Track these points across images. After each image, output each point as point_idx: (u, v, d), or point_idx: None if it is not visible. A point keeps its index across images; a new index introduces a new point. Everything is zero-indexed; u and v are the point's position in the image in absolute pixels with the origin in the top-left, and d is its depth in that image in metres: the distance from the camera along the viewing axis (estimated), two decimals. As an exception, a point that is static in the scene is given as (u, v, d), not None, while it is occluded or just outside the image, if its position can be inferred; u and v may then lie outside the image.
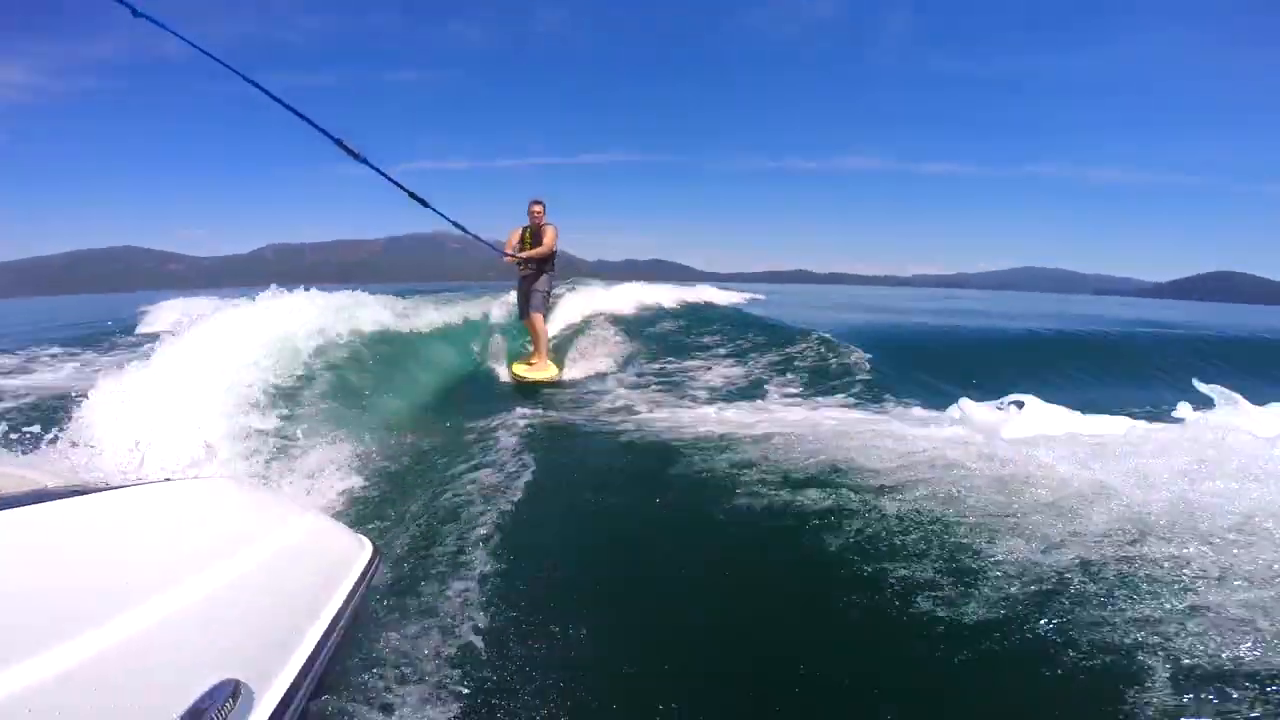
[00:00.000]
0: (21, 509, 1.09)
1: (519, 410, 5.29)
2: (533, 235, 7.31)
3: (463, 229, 5.73)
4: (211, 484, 1.75)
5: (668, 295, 13.74)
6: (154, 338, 5.19)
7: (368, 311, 7.17)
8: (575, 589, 2.58)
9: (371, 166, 3.90)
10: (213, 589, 1.21)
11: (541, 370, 7.31)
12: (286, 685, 1.19)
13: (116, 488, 1.37)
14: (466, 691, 1.91)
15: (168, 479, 1.54)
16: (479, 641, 2.15)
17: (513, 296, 8.28)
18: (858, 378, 6.17)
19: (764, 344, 8.36)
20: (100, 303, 28.88)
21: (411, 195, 4.60)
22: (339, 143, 3.70)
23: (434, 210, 4.94)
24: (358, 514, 3.31)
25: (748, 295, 18.11)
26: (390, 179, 4.21)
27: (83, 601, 0.98)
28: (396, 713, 1.82)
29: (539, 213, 7.30)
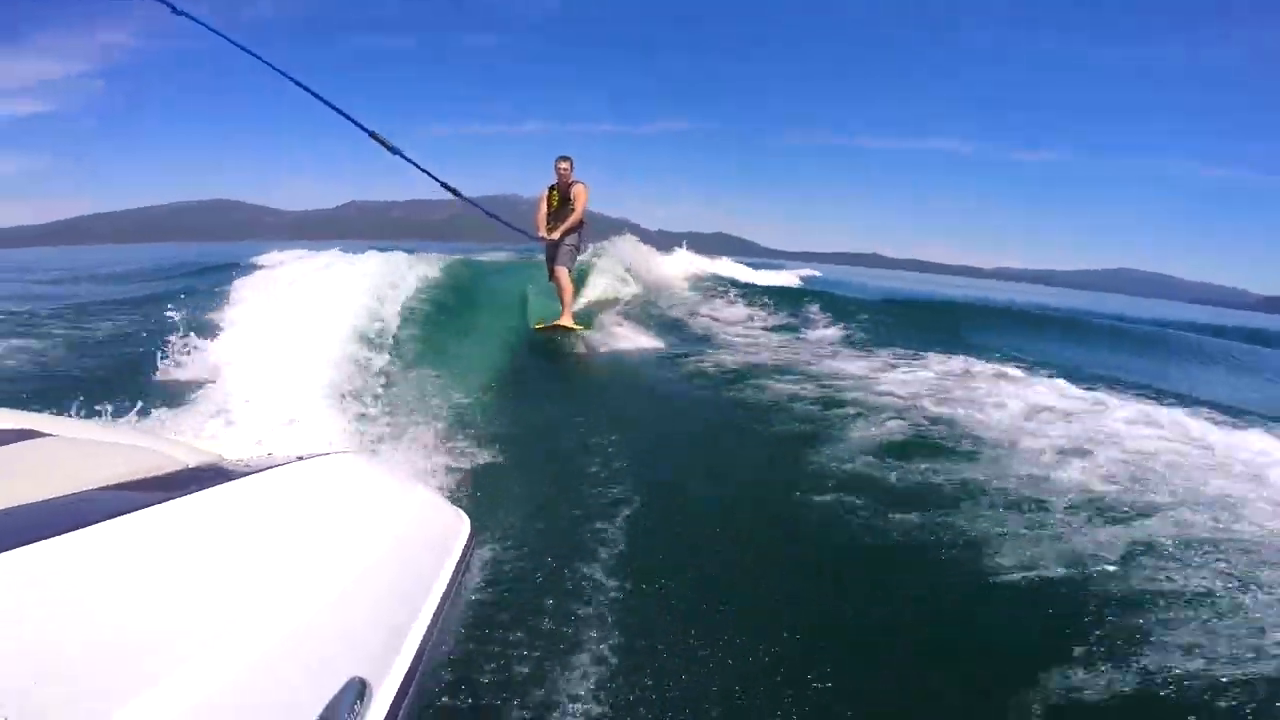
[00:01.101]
0: (167, 504, 1.10)
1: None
2: (560, 195, 6.88)
3: (491, 214, 5.81)
4: (339, 462, 1.76)
5: (723, 268, 13.29)
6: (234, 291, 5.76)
7: (440, 273, 7.63)
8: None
9: (405, 158, 4.03)
10: (343, 579, 1.23)
11: (564, 321, 7.01)
12: (402, 676, 1.20)
13: (254, 471, 1.40)
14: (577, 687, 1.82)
15: (300, 458, 1.60)
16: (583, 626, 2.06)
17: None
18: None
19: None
20: (211, 251, 30.31)
21: (444, 185, 4.72)
22: (373, 135, 3.81)
23: (462, 198, 5.06)
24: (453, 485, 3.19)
25: (803, 273, 17.64)
26: (422, 169, 4.34)
27: (231, 597, 0.98)
28: (490, 697, 1.77)
29: (566, 170, 6.82)
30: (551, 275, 7.14)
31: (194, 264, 17.02)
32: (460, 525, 1.81)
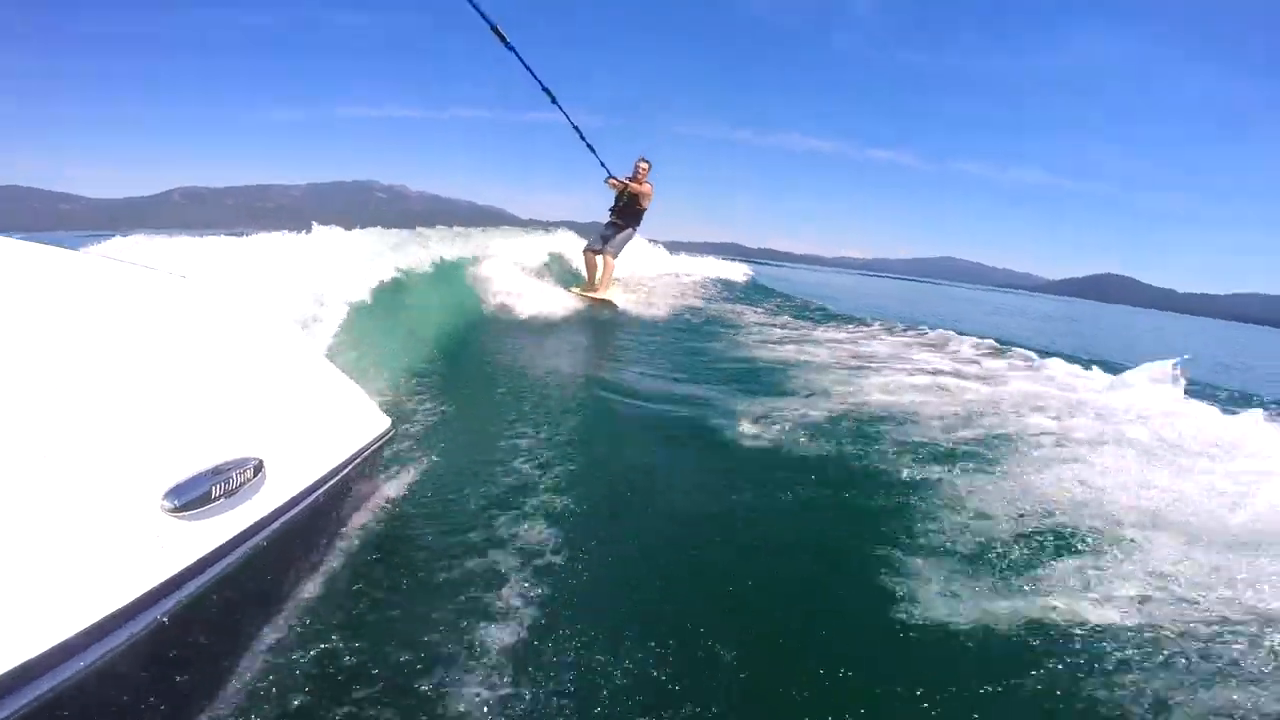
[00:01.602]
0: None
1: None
2: (629, 191, 8.05)
3: (589, 145, 7.22)
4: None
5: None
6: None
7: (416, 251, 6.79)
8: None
9: (518, 56, 5.00)
10: (250, 382, 1.46)
11: (602, 292, 8.09)
12: (303, 486, 1.40)
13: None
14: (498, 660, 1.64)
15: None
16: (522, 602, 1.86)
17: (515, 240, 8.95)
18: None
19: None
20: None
21: (545, 90, 5.80)
22: (494, 28, 4.58)
23: (560, 108, 6.20)
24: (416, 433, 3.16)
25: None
26: (533, 74, 5.41)
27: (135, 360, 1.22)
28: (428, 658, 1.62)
29: (644, 170, 8.07)
30: (594, 250, 8.29)
31: None
32: (379, 422, 2.02)
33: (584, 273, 8.66)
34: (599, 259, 8.24)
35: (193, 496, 1.09)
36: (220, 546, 1.12)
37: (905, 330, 8.19)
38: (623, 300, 8.35)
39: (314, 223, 5.93)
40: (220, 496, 1.15)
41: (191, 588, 1.04)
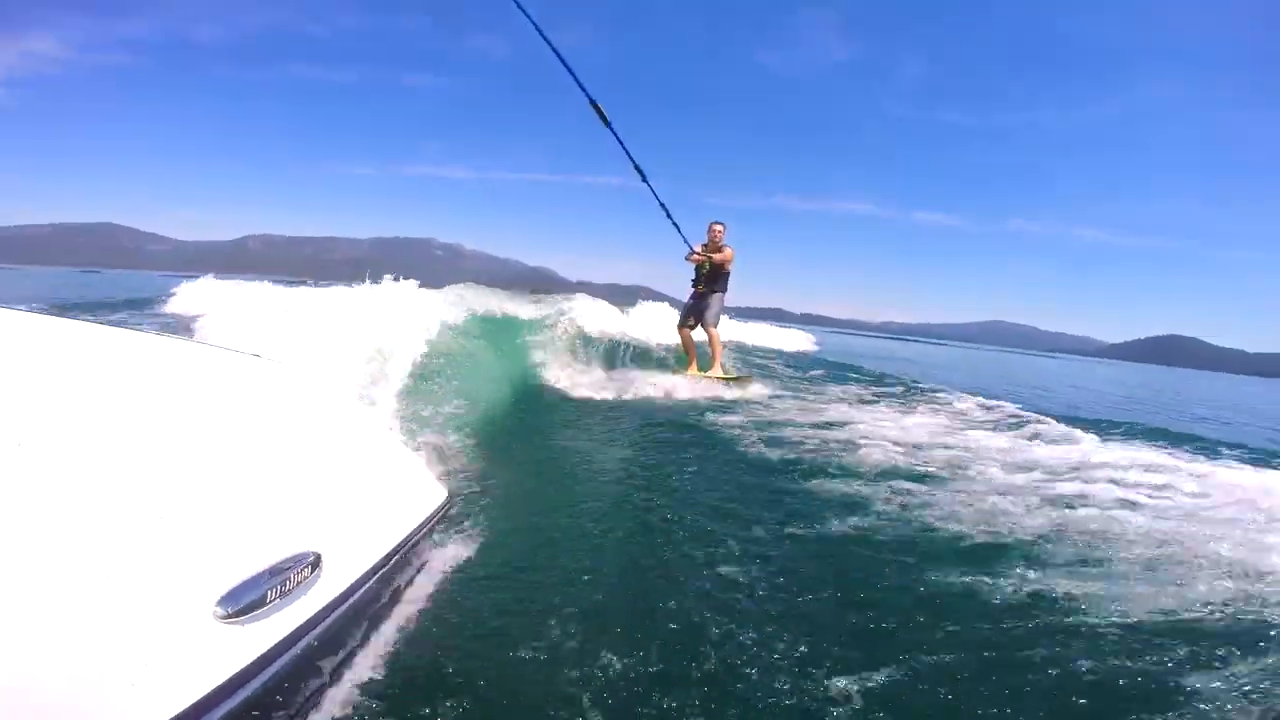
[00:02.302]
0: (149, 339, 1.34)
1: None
2: (710, 258, 7.69)
3: (670, 218, 7.14)
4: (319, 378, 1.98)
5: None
6: (193, 319, 5.70)
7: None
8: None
9: (613, 132, 5.23)
10: (313, 470, 1.44)
11: (733, 375, 7.72)
12: (361, 573, 1.37)
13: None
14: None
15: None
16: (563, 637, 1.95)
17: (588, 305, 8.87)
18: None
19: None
20: (101, 279, 27.31)
21: (636, 168, 6.01)
22: (593, 103, 4.86)
23: (648, 184, 6.40)
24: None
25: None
26: (627, 151, 5.64)
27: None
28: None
29: (719, 232, 7.73)
30: (687, 326, 7.93)
31: (102, 296, 15.48)
32: (436, 494, 1.99)
33: (682, 350, 8.17)
34: (698, 333, 7.91)
35: (247, 601, 1.07)
36: (274, 646, 1.10)
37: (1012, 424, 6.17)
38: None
39: (386, 276, 5.87)
40: (276, 598, 1.12)
41: (246, 692, 1.02)
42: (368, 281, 5.82)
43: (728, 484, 3.69)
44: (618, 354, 8.66)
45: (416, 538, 1.77)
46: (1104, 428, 6.19)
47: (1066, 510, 3.29)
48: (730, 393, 6.93)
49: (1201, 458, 4.86)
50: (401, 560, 1.67)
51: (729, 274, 7.78)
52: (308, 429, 1.69)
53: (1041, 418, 6.30)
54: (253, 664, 1.04)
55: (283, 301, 5.22)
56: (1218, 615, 2.19)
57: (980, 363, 24.90)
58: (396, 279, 5.96)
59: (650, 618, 2.12)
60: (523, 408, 5.34)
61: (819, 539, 2.89)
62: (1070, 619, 2.18)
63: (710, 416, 5.55)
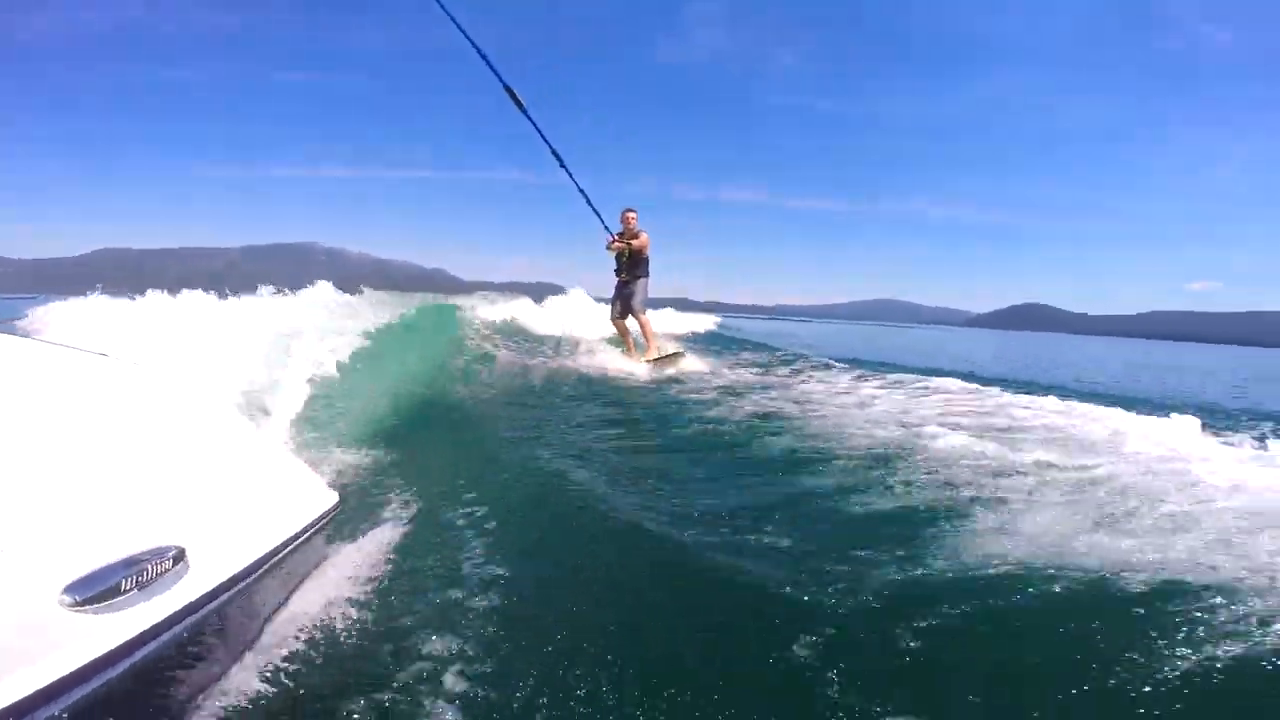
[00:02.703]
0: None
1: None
2: (629, 244, 7.88)
3: (593, 208, 7.34)
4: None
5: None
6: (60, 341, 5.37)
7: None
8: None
9: (532, 123, 5.47)
10: (175, 466, 1.43)
11: (667, 353, 7.89)
12: (234, 572, 1.37)
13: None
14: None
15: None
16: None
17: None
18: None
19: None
20: None
21: (554, 154, 6.27)
22: (508, 89, 5.02)
23: (568, 172, 6.67)
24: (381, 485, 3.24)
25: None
26: (544, 138, 5.91)
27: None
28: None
29: (633, 219, 7.90)
30: (619, 317, 8.21)
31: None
32: (326, 498, 2.02)
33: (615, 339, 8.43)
34: (630, 322, 8.16)
35: (98, 590, 1.06)
36: (134, 638, 1.09)
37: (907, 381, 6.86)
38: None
39: (262, 287, 5.92)
40: (132, 589, 1.11)
41: (97, 682, 1.01)
42: (240, 294, 5.72)
43: (651, 471, 3.61)
44: (536, 347, 8.77)
45: (300, 540, 1.75)
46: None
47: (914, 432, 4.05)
48: (665, 370, 7.30)
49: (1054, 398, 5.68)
50: (283, 562, 1.66)
51: (648, 259, 8.02)
52: (166, 428, 1.65)
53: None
54: (109, 654, 1.04)
55: (148, 313, 4.88)
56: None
57: (858, 338, 26.87)
58: (279, 291, 6.01)
59: (575, 619, 2.02)
60: (431, 409, 5.24)
61: (748, 507, 2.87)
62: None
63: (630, 395, 5.69)
